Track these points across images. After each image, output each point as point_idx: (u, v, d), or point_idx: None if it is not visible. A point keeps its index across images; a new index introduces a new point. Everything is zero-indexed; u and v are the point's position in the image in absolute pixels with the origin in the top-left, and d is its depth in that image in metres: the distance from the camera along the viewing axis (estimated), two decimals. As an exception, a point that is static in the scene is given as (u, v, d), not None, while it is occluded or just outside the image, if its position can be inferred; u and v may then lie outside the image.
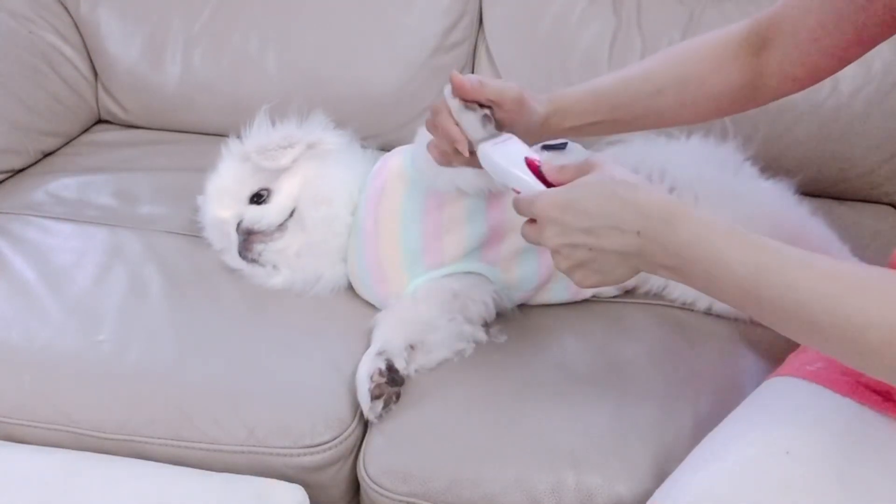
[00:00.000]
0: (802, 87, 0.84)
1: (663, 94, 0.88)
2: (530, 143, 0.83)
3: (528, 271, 1.04)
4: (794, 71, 0.82)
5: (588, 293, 1.08)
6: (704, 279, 0.65)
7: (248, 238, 1.06)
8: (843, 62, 0.80)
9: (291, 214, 1.08)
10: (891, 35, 0.76)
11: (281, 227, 1.07)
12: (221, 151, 1.13)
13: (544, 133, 0.89)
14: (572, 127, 0.89)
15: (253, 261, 1.07)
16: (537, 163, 0.77)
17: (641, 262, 0.68)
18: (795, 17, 0.80)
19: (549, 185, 0.75)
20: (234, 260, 1.09)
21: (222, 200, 1.10)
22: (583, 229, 0.69)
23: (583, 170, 0.73)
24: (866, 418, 0.66)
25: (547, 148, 1.07)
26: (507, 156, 0.79)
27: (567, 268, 0.72)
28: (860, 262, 1.01)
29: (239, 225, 1.07)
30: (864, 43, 0.78)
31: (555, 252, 0.72)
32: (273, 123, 1.11)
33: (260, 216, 1.06)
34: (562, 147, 1.11)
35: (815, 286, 0.58)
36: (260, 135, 1.09)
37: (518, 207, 0.75)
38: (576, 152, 1.13)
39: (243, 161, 1.10)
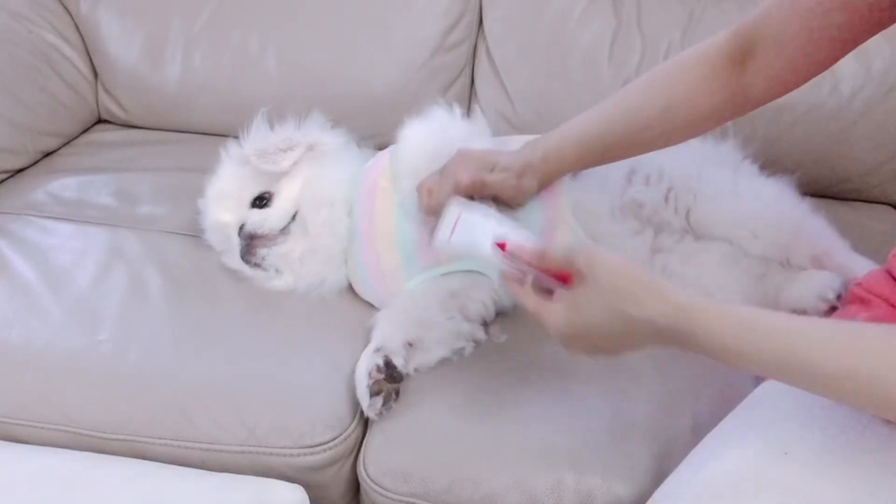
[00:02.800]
0: (789, 91, 0.83)
1: (651, 126, 0.88)
2: None
3: (526, 271, 1.04)
4: (781, 76, 0.82)
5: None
6: (731, 364, 0.65)
7: (250, 242, 1.05)
8: (829, 62, 0.79)
9: (294, 218, 1.07)
10: (875, 33, 0.76)
11: (284, 230, 1.06)
12: (221, 155, 1.12)
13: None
14: (561, 174, 0.95)
15: (256, 265, 1.06)
16: (504, 244, 0.77)
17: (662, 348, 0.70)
18: (777, 24, 0.79)
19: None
20: (234, 261, 1.08)
21: (223, 204, 1.09)
22: (596, 345, 0.72)
23: (569, 262, 0.72)
24: (864, 419, 0.66)
25: None
26: (473, 239, 0.80)
27: (587, 356, 0.76)
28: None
29: (241, 229, 1.05)
30: (847, 43, 0.77)
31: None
32: (271, 126, 1.10)
33: (262, 220, 1.06)
34: None
35: (844, 362, 0.58)
36: (259, 138, 1.09)
37: (530, 320, 0.76)
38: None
39: (243, 164, 1.09)
